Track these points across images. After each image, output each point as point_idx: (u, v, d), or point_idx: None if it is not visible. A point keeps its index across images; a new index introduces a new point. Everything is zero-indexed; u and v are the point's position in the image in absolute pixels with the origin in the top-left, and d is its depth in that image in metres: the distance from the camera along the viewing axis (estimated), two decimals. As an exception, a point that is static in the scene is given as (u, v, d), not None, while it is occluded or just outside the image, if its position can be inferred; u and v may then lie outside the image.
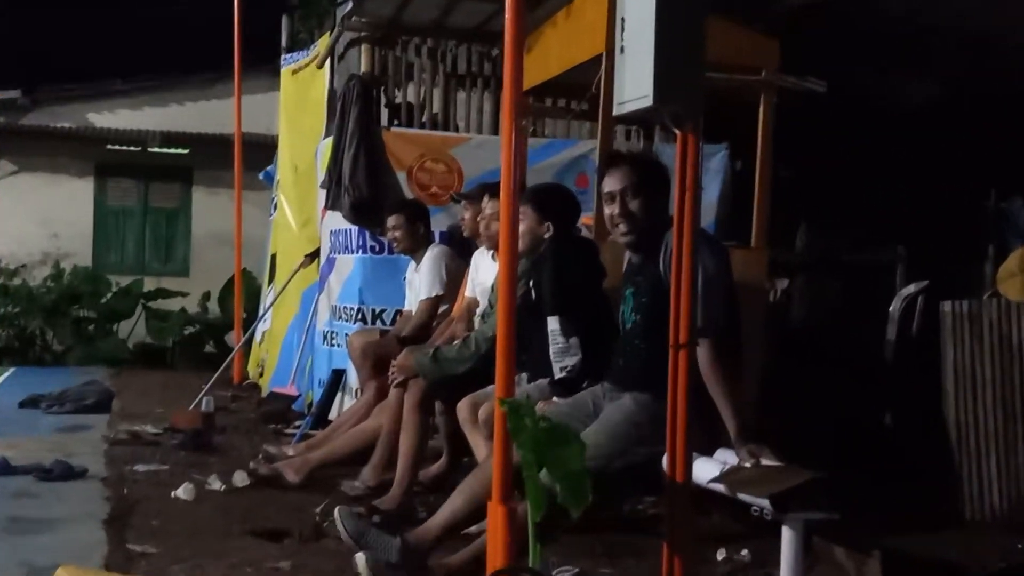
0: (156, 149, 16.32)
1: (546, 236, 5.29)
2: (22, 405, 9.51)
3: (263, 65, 12.79)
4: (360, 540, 4.25)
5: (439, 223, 7.74)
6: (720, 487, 4.02)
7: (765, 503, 3.79)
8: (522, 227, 5.14)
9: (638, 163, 4.59)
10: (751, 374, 5.09)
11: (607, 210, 4.49)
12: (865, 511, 4.52)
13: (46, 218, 16.19)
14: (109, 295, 15.21)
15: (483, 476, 4.26)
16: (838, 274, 8.03)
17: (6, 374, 12.50)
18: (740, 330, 4.50)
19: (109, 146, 16.48)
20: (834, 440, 5.92)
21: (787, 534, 3.76)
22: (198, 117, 16.04)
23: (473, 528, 4.45)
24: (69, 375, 11.67)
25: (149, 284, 15.60)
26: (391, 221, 7.24)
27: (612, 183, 4.45)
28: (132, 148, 16.46)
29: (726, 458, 4.13)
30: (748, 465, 4.01)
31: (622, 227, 4.43)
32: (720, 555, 4.96)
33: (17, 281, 15.27)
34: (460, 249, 7.10)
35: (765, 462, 4.00)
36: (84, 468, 6.54)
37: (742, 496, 3.92)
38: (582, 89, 6.52)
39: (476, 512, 4.24)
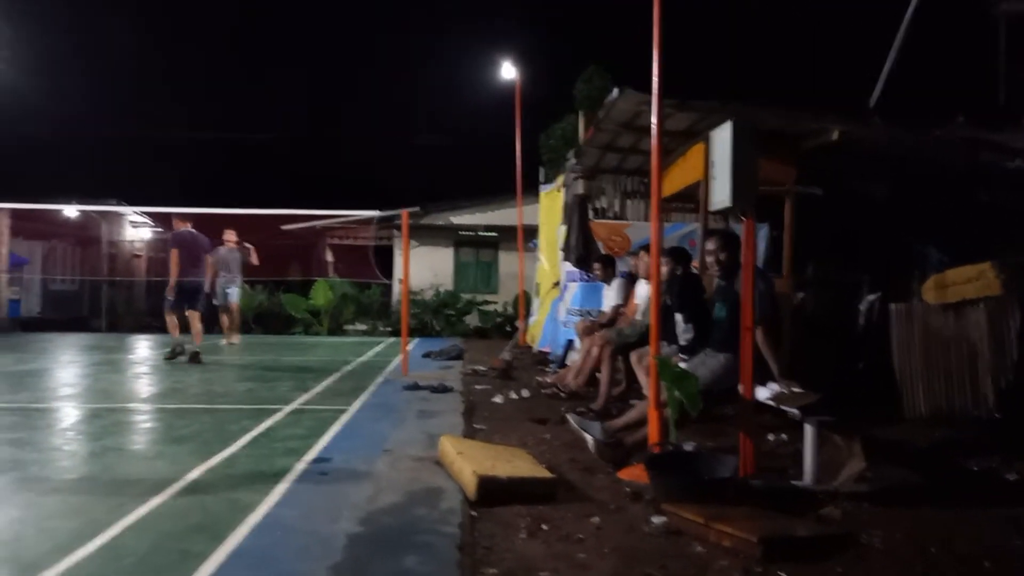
0: (482, 233, 16.72)
1: (675, 272, 5.17)
2: (424, 356, 9.78)
3: (531, 190, 12.90)
4: (581, 424, 4.22)
5: (620, 266, 7.63)
6: (770, 402, 3.84)
7: (796, 411, 3.59)
8: (664, 268, 5.05)
9: (723, 235, 4.43)
10: (785, 344, 4.80)
11: (708, 258, 4.33)
12: (851, 415, 4.17)
13: (432, 267, 16.65)
14: (461, 303, 15.53)
15: (646, 403, 4.13)
16: (830, 289, 7.47)
17: (415, 341, 12.98)
18: (779, 320, 4.26)
19: (460, 232, 16.92)
20: (833, 378, 5.50)
21: (807, 428, 3.55)
22: (501, 217, 16.27)
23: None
24: (443, 341, 12.07)
25: (479, 298, 15.92)
26: (597, 264, 7.23)
27: (710, 245, 4.31)
28: (470, 232, 16.88)
29: (773, 387, 3.92)
30: (785, 391, 3.81)
31: (715, 267, 4.29)
32: (770, 438, 4.71)
33: (419, 297, 15.82)
34: (630, 279, 7.00)
35: (795, 390, 3.79)
36: (452, 387, 6.72)
37: (783, 407, 3.73)
38: (693, 197, 6.36)
39: (642, 420, 4.12)
